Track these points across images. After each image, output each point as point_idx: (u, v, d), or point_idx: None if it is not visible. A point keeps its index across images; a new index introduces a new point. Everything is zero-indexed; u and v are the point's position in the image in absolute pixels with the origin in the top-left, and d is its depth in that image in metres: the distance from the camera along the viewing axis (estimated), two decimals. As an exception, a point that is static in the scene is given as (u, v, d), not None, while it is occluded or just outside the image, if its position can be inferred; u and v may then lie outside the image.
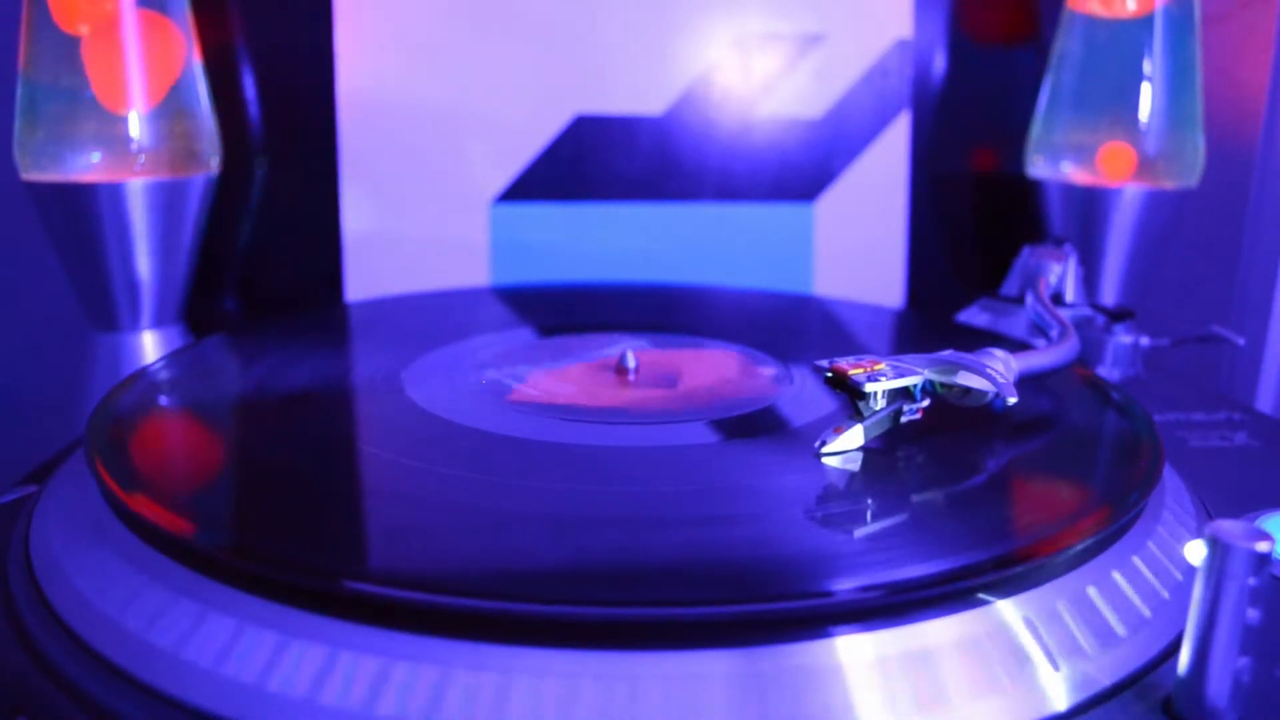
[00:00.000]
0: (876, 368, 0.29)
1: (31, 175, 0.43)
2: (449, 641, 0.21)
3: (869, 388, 0.28)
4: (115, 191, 0.43)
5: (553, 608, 0.21)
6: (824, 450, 0.29)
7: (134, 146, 0.43)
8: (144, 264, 0.45)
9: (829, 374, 0.29)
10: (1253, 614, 0.20)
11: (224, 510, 0.26)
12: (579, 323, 0.45)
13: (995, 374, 0.30)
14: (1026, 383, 0.32)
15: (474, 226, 0.55)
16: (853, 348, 0.43)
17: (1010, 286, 0.49)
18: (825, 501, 0.26)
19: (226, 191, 0.49)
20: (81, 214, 0.43)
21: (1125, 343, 0.47)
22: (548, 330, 0.44)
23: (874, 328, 0.48)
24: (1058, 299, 0.47)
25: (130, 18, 0.43)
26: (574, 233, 0.56)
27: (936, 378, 0.30)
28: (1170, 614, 0.24)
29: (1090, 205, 0.52)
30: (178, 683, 0.21)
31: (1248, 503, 0.32)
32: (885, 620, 0.21)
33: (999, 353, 0.31)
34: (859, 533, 0.24)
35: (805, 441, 0.30)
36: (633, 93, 0.55)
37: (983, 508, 0.26)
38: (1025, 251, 0.49)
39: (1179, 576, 0.26)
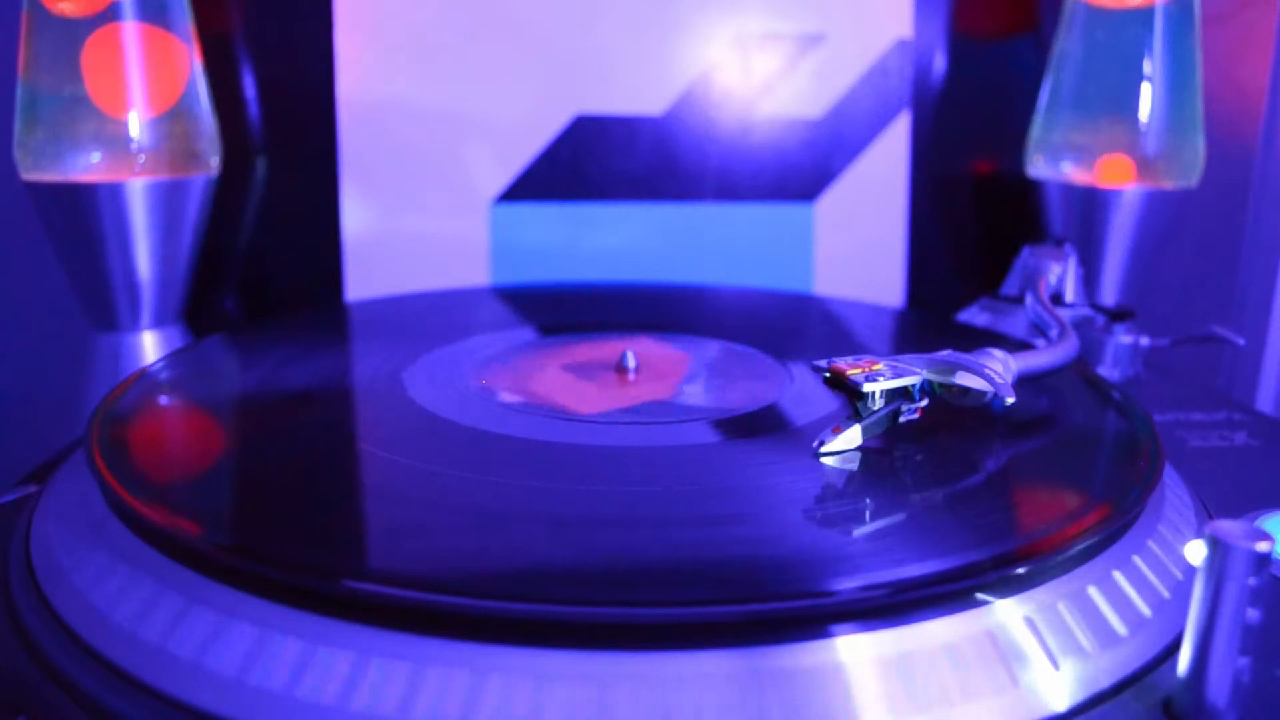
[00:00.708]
0: (875, 368, 0.29)
1: (31, 175, 0.43)
2: (449, 642, 0.21)
3: (867, 388, 0.28)
4: (115, 191, 0.43)
5: (552, 608, 0.21)
6: (822, 450, 0.29)
7: (134, 146, 0.43)
8: (144, 264, 0.45)
9: (827, 374, 0.29)
10: (1253, 614, 0.20)
11: (224, 510, 0.26)
12: (579, 323, 0.45)
13: (994, 374, 0.30)
14: (1026, 383, 0.32)
15: (474, 226, 0.55)
16: (852, 348, 0.43)
17: (1010, 286, 0.49)
18: (824, 501, 0.26)
19: (226, 191, 0.49)
20: (81, 214, 0.43)
21: (1125, 343, 0.47)
22: (548, 330, 0.44)
23: (874, 328, 0.48)
24: (1057, 299, 0.47)
25: (132, 35, 0.43)
26: (574, 233, 0.56)
27: (935, 378, 0.30)
28: (1170, 614, 0.24)
29: (1090, 205, 0.52)
30: (178, 683, 0.21)
31: (1248, 503, 0.32)
32: (885, 620, 0.21)
33: (998, 353, 0.31)
34: (858, 532, 0.24)
35: (804, 441, 0.30)
36: (633, 93, 0.55)
37: (982, 507, 0.26)
38: (1025, 251, 0.49)
39: (1179, 576, 0.26)
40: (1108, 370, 0.47)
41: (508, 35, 0.54)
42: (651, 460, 0.29)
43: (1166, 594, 0.25)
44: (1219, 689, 0.20)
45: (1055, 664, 0.22)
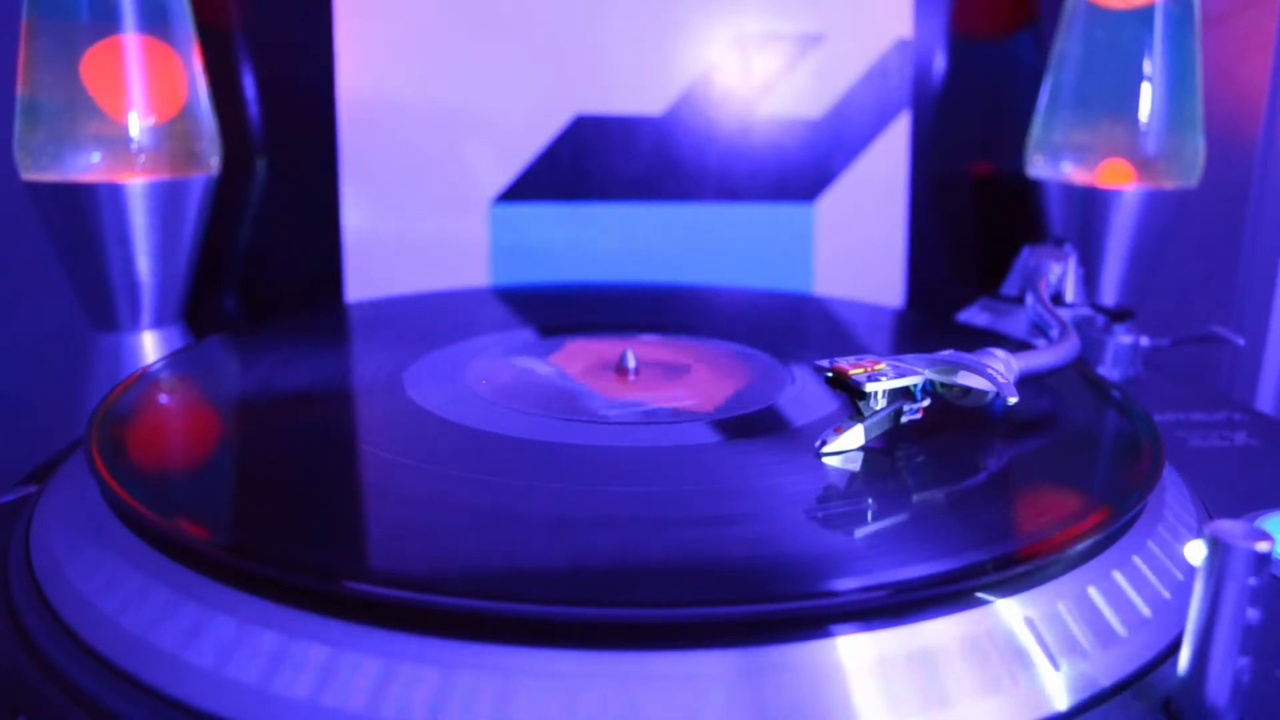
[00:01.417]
0: (877, 367, 0.29)
1: (31, 175, 0.43)
2: (449, 642, 0.21)
3: (869, 387, 0.28)
4: (115, 191, 0.43)
5: (552, 608, 0.21)
6: (824, 450, 0.29)
7: (134, 146, 0.43)
8: (144, 264, 0.45)
9: (829, 374, 0.29)
10: (1253, 614, 0.20)
11: (224, 510, 0.26)
12: (579, 323, 0.45)
13: (996, 374, 0.30)
14: (1027, 383, 0.32)
15: (474, 226, 0.55)
16: (853, 348, 0.43)
17: (1010, 286, 0.49)
18: (826, 501, 0.26)
19: (226, 191, 0.49)
20: (81, 214, 0.43)
21: (1125, 343, 0.47)
22: (548, 330, 0.44)
23: (874, 328, 0.48)
24: (1058, 299, 0.47)
25: (133, 49, 0.43)
26: (574, 233, 0.56)
27: (937, 378, 0.30)
28: (1170, 614, 0.24)
29: (1090, 205, 0.52)
30: (178, 683, 0.21)
31: (1248, 503, 0.32)
32: (886, 620, 0.21)
33: (999, 353, 0.31)
34: (859, 533, 0.24)
35: (806, 441, 0.30)
36: (633, 93, 0.55)
37: (983, 507, 0.26)
38: (1025, 251, 0.49)
39: (1179, 576, 0.26)
40: (1108, 370, 0.47)
41: (508, 35, 0.54)
42: (652, 460, 0.29)
43: (1166, 594, 0.25)
44: (1219, 689, 0.20)
45: (1055, 664, 0.22)
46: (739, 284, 0.56)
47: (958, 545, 0.23)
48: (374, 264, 0.54)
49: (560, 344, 0.42)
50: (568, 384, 0.36)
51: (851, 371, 0.29)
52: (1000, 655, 0.22)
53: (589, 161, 0.55)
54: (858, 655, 0.21)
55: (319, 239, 0.54)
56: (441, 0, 0.53)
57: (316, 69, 0.53)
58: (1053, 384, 0.35)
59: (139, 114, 0.43)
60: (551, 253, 0.56)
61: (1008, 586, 0.23)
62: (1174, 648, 0.23)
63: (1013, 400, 0.29)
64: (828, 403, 0.34)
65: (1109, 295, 0.54)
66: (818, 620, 0.21)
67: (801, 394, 0.35)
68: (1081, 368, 0.38)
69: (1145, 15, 0.51)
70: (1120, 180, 0.52)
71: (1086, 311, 0.48)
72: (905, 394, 0.30)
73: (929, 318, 0.51)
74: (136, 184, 0.43)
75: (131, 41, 0.43)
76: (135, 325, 0.46)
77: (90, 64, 0.42)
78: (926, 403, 0.30)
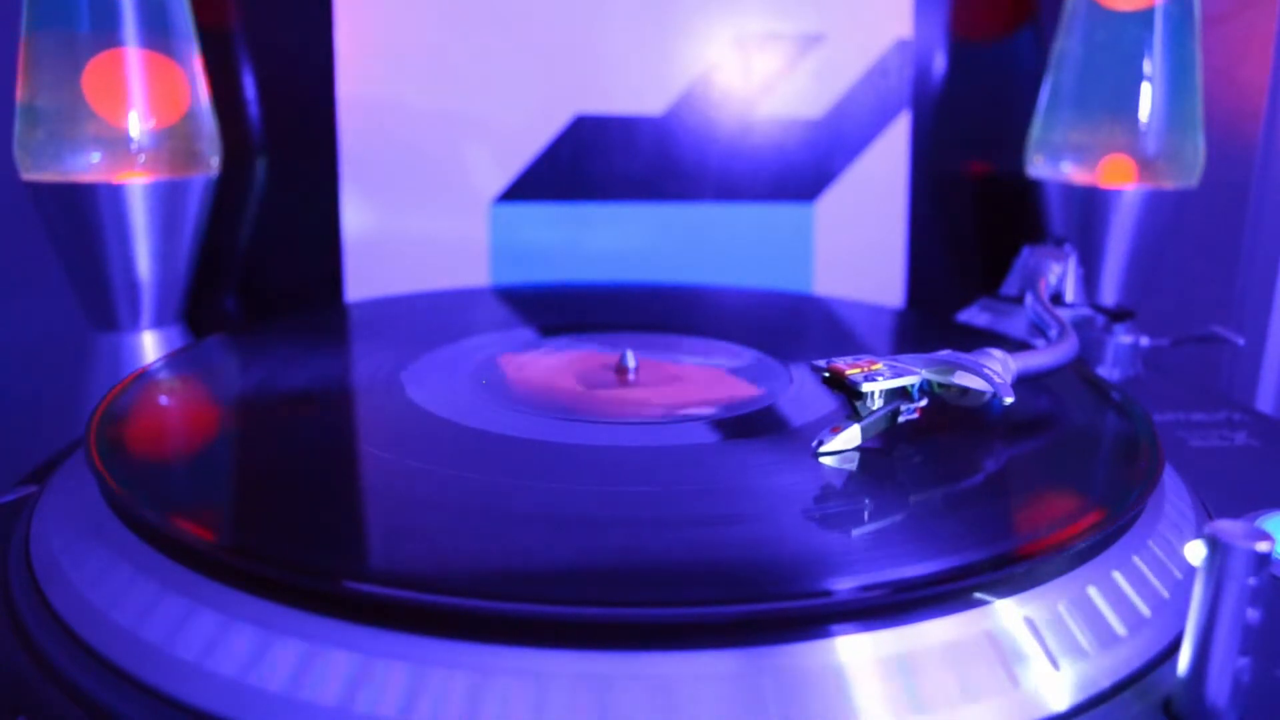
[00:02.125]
0: (874, 367, 0.29)
1: (31, 175, 0.43)
2: (450, 642, 0.21)
3: (866, 387, 0.28)
4: (115, 191, 0.43)
5: (552, 608, 0.21)
6: (821, 450, 0.29)
7: (134, 146, 0.43)
8: (144, 264, 0.45)
9: (826, 374, 0.29)
10: (1253, 614, 0.20)
11: (224, 510, 0.26)
12: (579, 323, 0.45)
13: (993, 374, 0.30)
14: (1026, 383, 0.32)
15: (474, 226, 0.55)
16: (852, 347, 0.43)
17: (1010, 286, 0.49)
18: (824, 501, 0.26)
19: (226, 191, 0.49)
20: (81, 214, 0.43)
21: (1125, 343, 0.47)
22: (548, 330, 0.44)
23: (874, 328, 0.48)
24: (1057, 299, 0.47)
25: (134, 62, 0.43)
26: (574, 233, 0.56)
27: (934, 377, 0.30)
28: (1170, 614, 0.24)
29: (1090, 205, 0.52)
30: (178, 683, 0.21)
31: (1248, 503, 0.32)
32: (885, 620, 0.21)
33: (997, 353, 0.31)
34: (857, 532, 0.24)
35: (804, 441, 0.30)
36: (633, 93, 0.55)
37: (982, 507, 0.26)
38: (1025, 251, 0.49)
39: (1179, 576, 0.26)
40: (1108, 370, 0.47)
41: (508, 35, 0.54)
42: (651, 460, 0.29)
43: (1166, 594, 0.25)
44: (1219, 689, 0.20)
45: (1055, 664, 0.22)
46: (739, 284, 0.56)
47: (956, 545, 0.23)
48: (374, 264, 0.54)
49: (560, 344, 0.42)
50: (568, 384, 0.36)
51: (848, 371, 0.29)
52: (1000, 655, 0.22)
53: (589, 162, 0.55)
54: (857, 655, 0.21)
55: (319, 239, 0.54)
56: (441, 1, 0.53)
57: (316, 69, 0.53)
58: (1052, 384, 0.35)
59: (139, 122, 0.43)
60: (551, 253, 0.56)
61: (1007, 586, 0.23)
62: (1174, 648, 0.23)
63: (1009, 400, 0.29)
64: (826, 403, 0.34)
65: (1109, 295, 0.54)
66: (817, 620, 0.21)
67: (800, 394, 0.35)
68: (1081, 368, 0.38)
69: (1145, 15, 0.51)
70: (1122, 177, 0.52)
71: (1086, 311, 0.48)
72: (902, 394, 0.29)
73: (929, 318, 0.51)
74: (136, 184, 0.43)
75: (133, 55, 0.43)
76: (135, 325, 0.46)
77: (91, 76, 0.42)
78: (924, 403, 0.30)
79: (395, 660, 0.20)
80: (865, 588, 0.22)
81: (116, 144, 0.43)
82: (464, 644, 0.21)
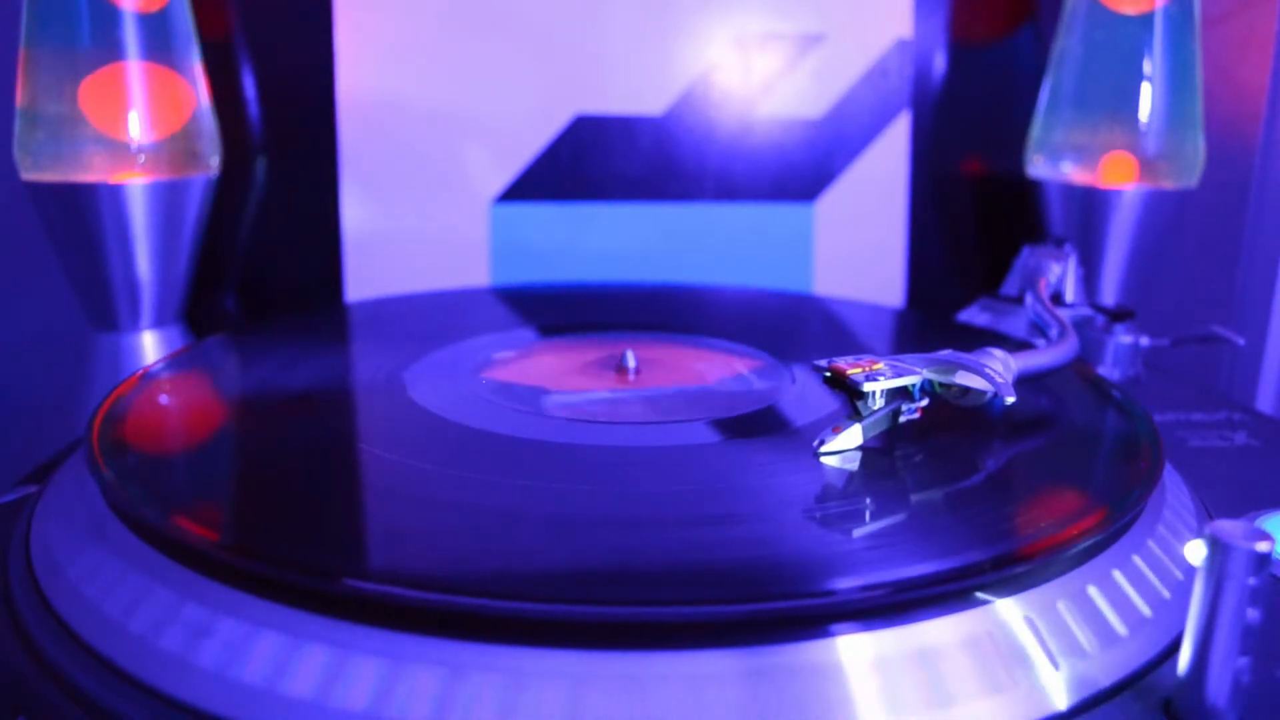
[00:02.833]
0: (875, 367, 0.29)
1: (31, 175, 0.43)
2: (450, 642, 0.21)
3: (867, 387, 0.28)
4: (115, 192, 0.43)
5: (553, 607, 0.21)
6: (822, 450, 0.29)
7: (134, 146, 0.43)
8: (144, 264, 0.45)
9: (827, 373, 0.29)
10: (1253, 614, 0.20)
11: (225, 510, 0.26)
12: (579, 323, 0.45)
13: (994, 374, 0.30)
14: (1027, 382, 0.32)
15: (474, 226, 0.55)
16: (853, 347, 0.43)
17: (1010, 286, 0.49)
18: (824, 501, 0.26)
19: (226, 191, 0.49)
20: (81, 214, 0.43)
21: (1125, 343, 0.47)
22: (548, 330, 0.44)
23: (874, 327, 0.48)
24: (1058, 299, 0.47)
25: (136, 76, 0.43)
26: (574, 233, 0.56)
27: (935, 377, 0.30)
28: (1170, 614, 0.24)
29: (1090, 205, 0.52)
30: (178, 683, 0.21)
31: (1248, 503, 0.32)
32: (886, 620, 0.21)
33: (998, 352, 0.31)
34: (858, 532, 0.24)
35: (805, 441, 0.30)
36: (633, 93, 0.55)
37: (982, 507, 0.26)
38: (1025, 251, 0.49)
39: (1179, 576, 0.26)
40: (1108, 370, 0.47)
41: (508, 35, 0.54)
42: (652, 460, 0.29)
43: (1166, 594, 0.25)
44: (1219, 689, 0.20)
45: (1055, 664, 0.22)
46: (739, 284, 0.56)
47: (957, 545, 0.23)
48: (374, 264, 0.54)
49: (560, 344, 0.42)
50: (568, 384, 0.36)
51: (849, 371, 0.29)
52: (1000, 655, 0.22)
53: (589, 162, 0.55)
54: (858, 655, 0.21)
55: (319, 239, 0.54)
56: (441, 1, 0.53)
57: (316, 69, 0.53)
58: (1052, 384, 0.35)
59: (140, 134, 0.43)
60: (551, 253, 0.56)
61: (1007, 586, 0.23)
62: (1174, 648, 0.23)
63: (1010, 400, 0.29)
64: (826, 403, 0.34)
65: (1109, 295, 0.54)
66: (818, 620, 0.21)
67: (801, 394, 0.35)
68: (1081, 367, 0.38)
69: (1146, 16, 0.51)
70: (1122, 177, 0.52)
71: (1086, 311, 0.48)
72: (903, 394, 0.30)
73: (929, 318, 0.51)
74: (136, 184, 0.43)
75: (133, 69, 0.43)
76: (135, 325, 0.46)
77: (90, 91, 0.42)
78: (925, 402, 0.30)
79: (397, 660, 0.20)
80: (866, 588, 0.22)
81: (116, 144, 0.43)
82: (463, 644, 0.21)
